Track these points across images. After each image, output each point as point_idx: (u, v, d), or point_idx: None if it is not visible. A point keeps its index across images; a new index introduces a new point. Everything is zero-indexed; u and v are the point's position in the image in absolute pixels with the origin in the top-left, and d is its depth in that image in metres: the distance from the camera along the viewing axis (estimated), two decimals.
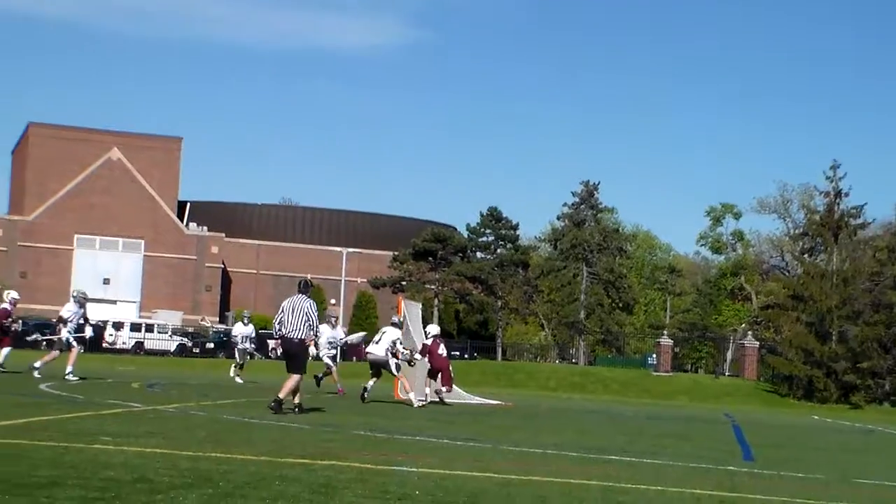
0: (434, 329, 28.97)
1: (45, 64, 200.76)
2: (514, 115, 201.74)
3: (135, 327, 77.62)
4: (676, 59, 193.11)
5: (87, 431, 11.23)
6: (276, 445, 11.13)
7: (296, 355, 18.01)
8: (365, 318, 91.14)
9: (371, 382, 25.84)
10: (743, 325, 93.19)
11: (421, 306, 33.76)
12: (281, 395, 17.48)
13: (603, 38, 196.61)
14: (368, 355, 26.46)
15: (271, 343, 76.19)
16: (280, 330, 18.07)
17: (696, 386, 59.51)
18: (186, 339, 77.80)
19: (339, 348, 30.98)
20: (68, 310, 27.72)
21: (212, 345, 76.87)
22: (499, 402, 29.19)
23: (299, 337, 17.88)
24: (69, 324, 27.36)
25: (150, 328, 77.30)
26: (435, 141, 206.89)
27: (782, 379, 59.58)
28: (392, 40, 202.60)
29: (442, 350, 27.88)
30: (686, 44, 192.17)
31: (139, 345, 74.18)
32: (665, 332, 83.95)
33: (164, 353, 72.83)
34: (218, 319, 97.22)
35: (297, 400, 17.80)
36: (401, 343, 26.48)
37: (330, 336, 29.38)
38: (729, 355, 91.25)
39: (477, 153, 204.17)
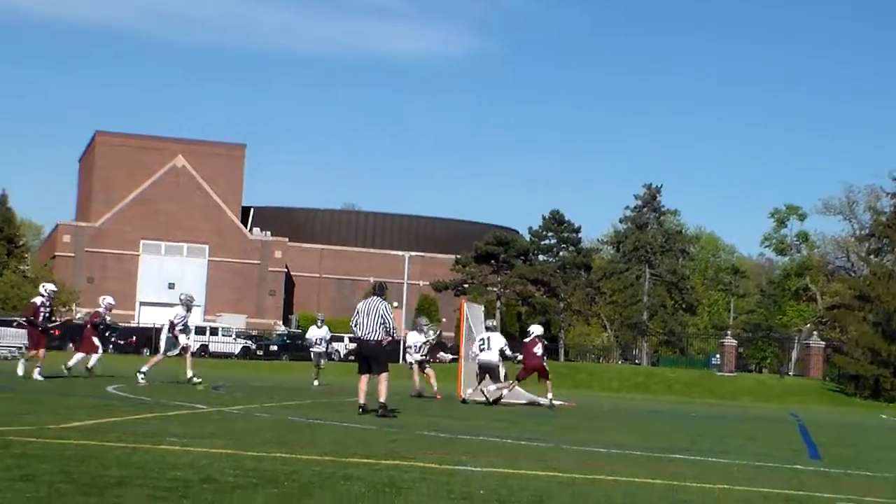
0: (537, 329, 29.00)
1: (111, 73, 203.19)
2: (575, 118, 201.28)
3: (199, 331, 78.23)
4: (740, 61, 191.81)
5: (154, 432, 11.34)
6: (339, 446, 11.18)
7: (376, 356, 18.08)
8: (428, 320, 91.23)
9: (474, 388, 26.28)
10: (808, 325, 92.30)
11: (483, 309, 33.74)
12: (383, 399, 17.51)
13: (664, 41, 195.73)
14: (479, 361, 26.75)
15: (336, 345, 76.62)
16: (356, 332, 18.13)
17: (761, 386, 58.98)
18: (250, 342, 78.37)
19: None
20: (176, 314, 28.14)
21: (275, 347, 77.35)
22: (561, 403, 29.10)
23: (376, 338, 17.91)
24: (176, 328, 27.82)
25: (214, 331, 77.89)
26: (497, 145, 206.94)
27: (848, 378, 58.95)
28: (454, 48, 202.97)
29: (538, 349, 27.83)
30: (749, 46, 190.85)
31: (204, 348, 74.77)
32: (729, 332, 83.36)
33: (228, 355, 73.38)
34: (281, 323, 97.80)
35: (382, 399, 17.63)
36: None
37: (418, 341, 29.68)
38: (794, 355, 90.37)
39: (539, 156, 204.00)
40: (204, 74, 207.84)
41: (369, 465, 9.20)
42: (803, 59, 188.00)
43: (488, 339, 26.94)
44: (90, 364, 29.35)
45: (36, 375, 25.58)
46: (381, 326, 17.90)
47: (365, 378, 18.08)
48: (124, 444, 9.83)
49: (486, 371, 26.64)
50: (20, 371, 26.28)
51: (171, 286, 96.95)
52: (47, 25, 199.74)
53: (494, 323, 28.15)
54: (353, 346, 28.81)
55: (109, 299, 32.28)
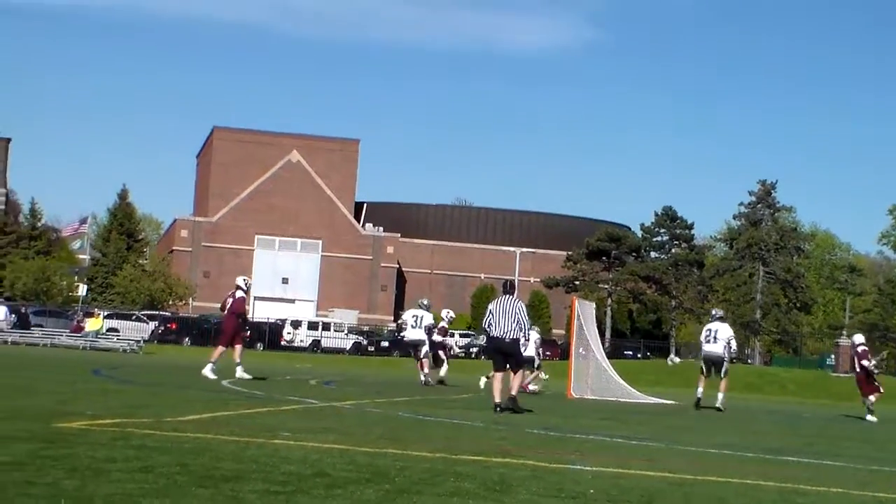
0: (859, 338, 29.42)
1: (228, 69, 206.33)
2: (689, 114, 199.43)
3: (312, 326, 79.07)
4: (857, 57, 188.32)
5: (267, 427, 11.50)
6: (450, 442, 11.23)
7: (514, 354, 18.49)
8: (538, 317, 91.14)
9: (700, 388, 26.09)
10: None
11: (594, 306, 33.65)
12: (514, 392, 18.25)
13: (780, 36, 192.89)
14: (704, 352, 26.29)
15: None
16: (491, 331, 18.41)
17: None
18: (362, 338, 78.94)
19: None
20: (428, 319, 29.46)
21: (387, 343, 77.84)
22: (672, 402, 28.90)
23: (513, 336, 18.19)
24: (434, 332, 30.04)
25: (326, 327, 78.63)
26: (609, 140, 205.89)
27: None
28: (568, 41, 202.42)
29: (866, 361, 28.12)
30: (866, 42, 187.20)
31: (316, 343, 75.55)
32: (844, 332, 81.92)
33: (340, 350, 74.07)
34: (392, 319, 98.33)
35: (513, 392, 18.32)
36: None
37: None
38: None
39: (652, 151, 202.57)
40: (320, 69, 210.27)
41: (480, 463, 9.24)
42: None
43: (715, 331, 26.29)
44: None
45: (241, 373, 24.04)
46: (517, 325, 18.19)
47: (500, 376, 18.28)
48: (238, 437, 9.99)
49: (712, 363, 26.11)
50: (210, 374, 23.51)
51: (285, 281, 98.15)
52: (168, 20, 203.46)
53: (720, 314, 27.56)
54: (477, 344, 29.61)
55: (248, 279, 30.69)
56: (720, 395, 25.86)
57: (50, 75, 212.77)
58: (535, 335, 27.90)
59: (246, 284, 25.50)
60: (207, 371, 23.47)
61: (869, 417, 27.44)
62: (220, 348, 24.46)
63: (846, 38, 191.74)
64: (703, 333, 26.50)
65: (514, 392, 18.21)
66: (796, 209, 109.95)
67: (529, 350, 27.66)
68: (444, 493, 7.16)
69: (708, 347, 25.92)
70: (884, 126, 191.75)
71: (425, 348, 29.53)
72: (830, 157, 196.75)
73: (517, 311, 18.27)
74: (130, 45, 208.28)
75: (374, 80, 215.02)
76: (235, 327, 24.72)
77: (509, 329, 18.12)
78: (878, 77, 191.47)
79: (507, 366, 18.43)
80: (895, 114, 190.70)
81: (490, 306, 18.66)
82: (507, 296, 18.64)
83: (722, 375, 25.95)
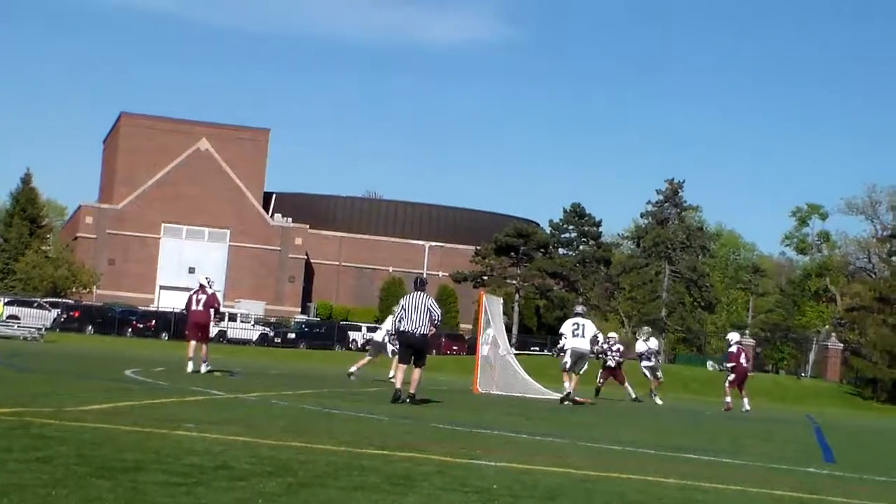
0: (736, 336, 30.86)
1: (137, 54, 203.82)
2: (598, 111, 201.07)
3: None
4: (764, 58, 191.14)
5: (170, 417, 11.40)
6: (355, 436, 11.21)
7: (421, 349, 19.17)
8: (446, 312, 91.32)
9: (568, 383, 26.03)
10: (826, 326, 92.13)
11: (502, 301, 33.78)
12: (414, 390, 18.71)
13: (690, 35, 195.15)
14: (572, 347, 26.18)
15: (353, 335, 76.78)
16: (401, 326, 19.02)
17: (778, 387, 58.92)
18: (269, 329, 78.53)
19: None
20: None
21: (293, 335, 77.52)
22: (578, 399, 29.06)
23: (423, 332, 18.82)
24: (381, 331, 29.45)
25: (233, 317, 78.03)
26: (519, 136, 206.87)
27: (866, 382, 58.87)
28: (483, 35, 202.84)
29: (744, 359, 30.10)
30: (774, 42, 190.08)
31: (222, 333, 75.01)
32: (747, 331, 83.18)
33: (246, 342, 73.59)
34: (300, 310, 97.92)
35: (413, 390, 18.80)
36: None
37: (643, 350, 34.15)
38: (811, 357, 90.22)
39: (561, 149, 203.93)
40: (231, 57, 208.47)
41: (384, 457, 9.23)
42: (830, 57, 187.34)
43: (583, 326, 26.43)
44: None
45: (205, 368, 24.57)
46: (428, 320, 18.81)
47: (403, 367, 19.13)
48: (140, 428, 9.89)
49: (578, 358, 26.23)
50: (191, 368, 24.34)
51: (192, 270, 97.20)
52: (78, 4, 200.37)
53: (581, 310, 27.76)
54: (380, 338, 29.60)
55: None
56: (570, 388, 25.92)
57: None
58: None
59: (208, 282, 26.04)
60: (203, 368, 24.34)
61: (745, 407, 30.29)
62: (193, 343, 24.83)
63: (754, 35, 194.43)
64: (570, 327, 26.48)
65: (413, 389, 18.69)
66: (703, 209, 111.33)
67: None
68: (348, 487, 7.14)
69: (576, 342, 26.04)
70: (790, 126, 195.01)
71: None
72: (737, 157, 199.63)
73: (429, 306, 18.90)
74: (39, 27, 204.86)
75: (287, 70, 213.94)
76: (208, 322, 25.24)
77: (421, 324, 18.72)
78: (787, 76, 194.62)
79: (413, 359, 19.02)
80: (801, 115, 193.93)
81: (402, 301, 19.28)
82: (419, 292, 19.15)
83: (578, 371, 26.14)
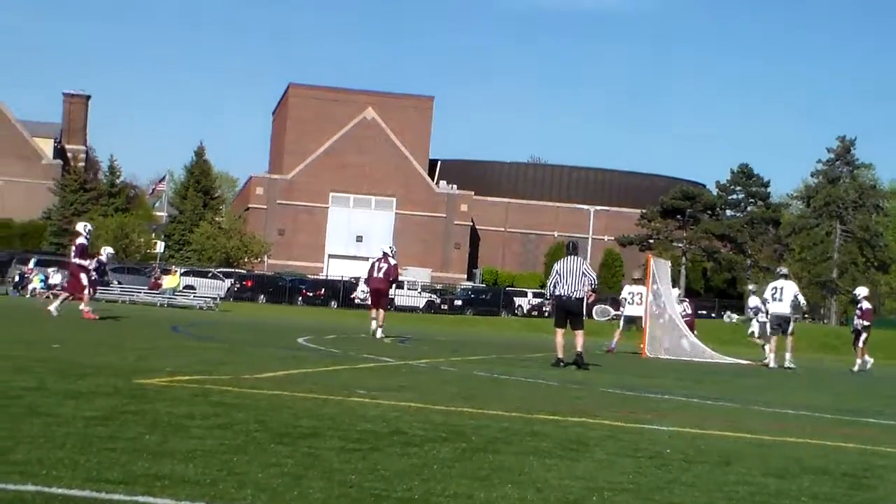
0: (864, 291, 29.13)
1: (303, 26, 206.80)
2: (765, 71, 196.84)
3: None
4: None
5: (343, 385, 11.57)
6: (525, 402, 11.24)
7: (579, 313, 19.46)
8: (611, 275, 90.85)
9: (767, 348, 26.05)
10: None
11: (669, 264, 33.44)
12: (581, 349, 18.86)
13: None
14: (771, 312, 26.27)
15: (520, 300, 76.78)
16: (557, 290, 19.22)
17: None
18: (435, 296, 79.05)
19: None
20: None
21: (460, 302, 77.90)
22: (748, 362, 28.69)
23: (579, 296, 19.12)
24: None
25: (400, 285, 78.67)
26: (684, 98, 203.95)
27: None
28: None
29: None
30: None
31: (390, 301, 75.67)
32: None
33: (413, 309, 74.22)
34: (466, 277, 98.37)
35: (579, 349, 18.92)
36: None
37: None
38: None
39: (728, 109, 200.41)
40: (396, 26, 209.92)
41: (556, 422, 9.24)
42: None
43: (781, 288, 26.21)
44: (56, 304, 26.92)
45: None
46: (584, 283, 19.06)
47: (561, 332, 19.28)
48: (315, 395, 10.07)
49: (779, 322, 26.09)
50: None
51: (360, 239, 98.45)
52: None
53: (785, 272, 27.49)
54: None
55: (110, 250, 33.14)
56: (787, 355, 25.86)
57: (128, 32, 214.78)
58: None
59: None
60: (378, 333, 25.74)
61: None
62: (374, 310, 26.65)
63: None
64: (769, 291, 26.30)
65: (580, 348, 18.83)
66: (875, 166, 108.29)
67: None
68: (521, 452, 7.17)
69: (774, 307, 25.79)
70: None
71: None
72: None
73: (585, 269, 19.25)
74: (206, 1, 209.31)
75: (449, 37, 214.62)
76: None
77: (576, 288, 19.01)
78: None
79: (568, 323, 19.33)
80: None
81: (556, 266, 19.45)
82: (572, 256, 19.48)
83: (789, 333, 25.89)
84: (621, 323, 30.04)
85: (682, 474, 6.77)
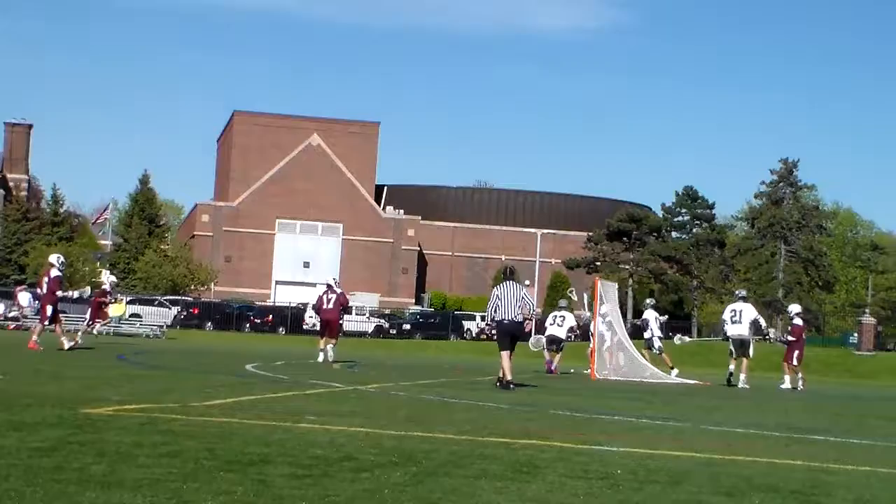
0: (796, 308, 29.46)
1: (248, 53, 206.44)
2: (709, 94, 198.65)
3: None
4: (879, 34, 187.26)
5: (292, 411, 11.52)
6: (475, 425, 11.23)
7: (518, 336, 19.83)
8: (559, 297, 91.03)
9: (732, 366, 26.40)
10: None
11: (616, 287, 33.59)
12: (509, 376, 19.10)
13: (797, 11, 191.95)
14: (730, 334, 26.77)
15: (468, 324, 76.74)
16: (496, 315, 19.61)
17: None
18: (384, 321, 78.97)
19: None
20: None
21: (408, 326, 77.87)
22: (695, 382, 28.85)
23: (518, 320, 19.48)
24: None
25: (348, 310, 78.45)
26: (629, 121, 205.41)
27: None
28: (589, 22, 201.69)
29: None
30: (883, 20, 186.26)
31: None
32: (867, 310, 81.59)
33: (362, 334, 74.08)
34: (414, 301, 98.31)
35: (509, 376, 19.28)
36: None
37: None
38: None
39: (672, 133, 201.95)
40: (339, 52, 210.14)
41: (506, 445, 9.24)
42: None
43: (740, 311, 26.69)
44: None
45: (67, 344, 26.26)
46: (520, 308, 19.45)
47: (506, 355, 19.47)
48: (265, 421, 10.01)
49: (738, 344, 26.59)
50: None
51: (307, 265, 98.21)
52: (187, 5, 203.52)
53: (744, 294, 28.03)
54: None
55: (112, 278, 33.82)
56: (742, 375, 26.36)
57: (70, 61, 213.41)
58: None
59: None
60: (330, 358, 26.77)
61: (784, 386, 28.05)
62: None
63: (864, 19, 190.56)
64: (727, 313, 26.90)
65: (509, 376, 19.15)
66: (818, 187, 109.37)
67: (561, 331, 29.86)
68: (472, 475, 7.16)
69: (733, 329, 26.29)
70: None
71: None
72: (852, 134, 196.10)
73: (523, 295, 19.68)
74: (150, 29, 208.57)
75: (394, 63, 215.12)
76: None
77: (517, 312, 19.42)
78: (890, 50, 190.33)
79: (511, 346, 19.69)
80: None
81: (496, 291, 19.89)
82: (510, 281, 19.89)
83: (748, 356, 26.45)
84: (546, 345, 30.48)
85: (633, 494, 6.78)
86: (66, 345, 26.06)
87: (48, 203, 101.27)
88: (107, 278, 34.19)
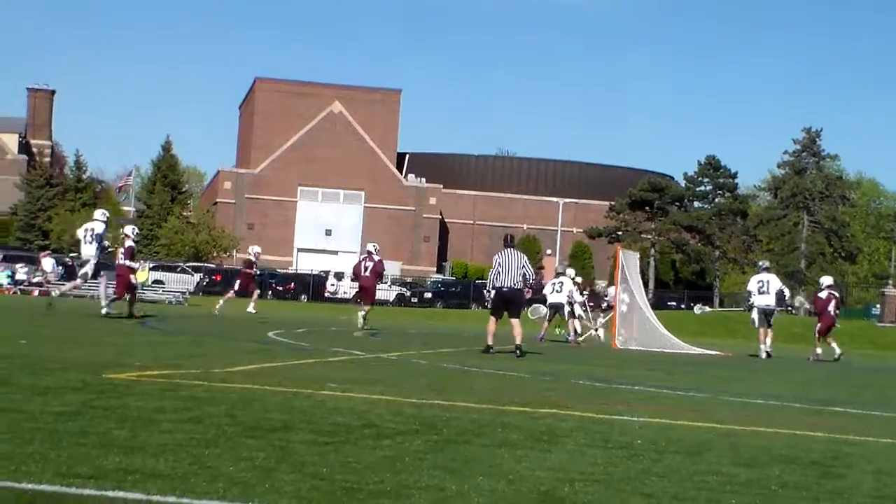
0: (828, 280, 29.31)
1: (270, 19, 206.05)
2: (732, 63, 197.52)
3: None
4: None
5: (314, 378, 11.56)
6: (496, 393, 11.26)
7: (517, 302, 20.21)
8: (581, 268, 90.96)
9: (768, 339, 26.47)
10: None
11: (638, 256, 33.54)
12: (519, 341, 19.43)
13: None
14: (758, 305, 26.88)
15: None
16: (496, 282, 20.05)
17: None
18: (405, 289, 79.01)
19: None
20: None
21: (430, 294, 77.87)
22: (717, 353, 28.83)
23: (517, 287, 19.98)
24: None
25: (382, 278, 78.44)
26: (652, 89, 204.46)
27: None
28: None
29: (832, 307, 28.06)
30: None
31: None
32: (890, 281, 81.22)
33: (383, 302, 74.08)
34: (435, 269, 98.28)
35: (518, 341, 19.60)
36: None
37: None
38: None
39: (695, 101, 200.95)
40: (362, 19, 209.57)
41: (526, 414, 9.26)
42: None
43: (767, 282, 26.87)
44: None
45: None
46: (521, 275, 19.99)
47: (494, 321, 20.16)
48: (286, 388, 10.04)
49: (766, 314, 26.77)
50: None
51: (328, 233, 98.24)
52: None
53: (767, 265, 28.07)
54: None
55: (257, 248, 34.26)
56: (768, 340, 26.70)
57: (94, 27, 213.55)
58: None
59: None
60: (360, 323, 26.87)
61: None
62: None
63: None
64: (754, 284, 26.98)
65: (519, 341, 19.47)
66: (841, 157, 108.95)
67: (561, 297, 29.51)
68: (492, 444, 7.18)
69: (761, 299, 26.53)
70: None
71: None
72: (876, 104, 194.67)
73: (523, 263, 20.14)
74: None
75: (416, 31, 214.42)
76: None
77: (517, 280, 19.93)
78: None
79: (506, 313, 20.04)
80: None
81: (497, 258, 20.24)
82: (510, 248, 20.37)
83: (771, 325, 26.70)
84: (547, 314, 30.55)
85: (653, 465, 6.79)
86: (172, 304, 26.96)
87: (71, 169, 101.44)
88: (252, 250, 34.89)
